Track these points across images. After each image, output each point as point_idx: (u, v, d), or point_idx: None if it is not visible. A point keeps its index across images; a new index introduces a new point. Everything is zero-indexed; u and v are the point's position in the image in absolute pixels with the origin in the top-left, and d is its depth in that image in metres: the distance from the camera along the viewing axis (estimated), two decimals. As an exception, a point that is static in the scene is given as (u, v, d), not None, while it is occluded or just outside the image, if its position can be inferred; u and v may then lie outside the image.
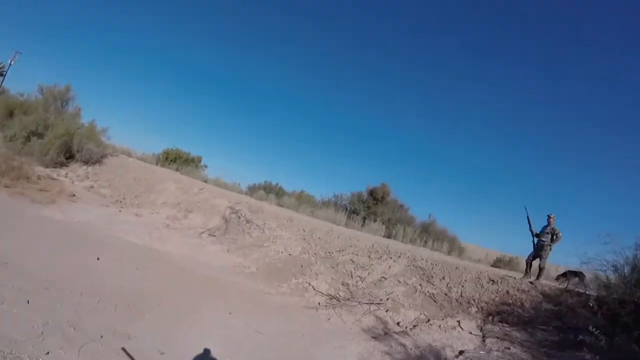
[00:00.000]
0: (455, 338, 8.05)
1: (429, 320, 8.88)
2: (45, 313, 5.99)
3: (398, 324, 8.90)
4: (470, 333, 8.24)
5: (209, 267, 11.23)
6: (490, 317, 8.75)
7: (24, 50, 46.70)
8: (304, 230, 13.82)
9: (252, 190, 23.17)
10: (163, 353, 6.06)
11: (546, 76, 63.09)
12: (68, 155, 19.57)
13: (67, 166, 19.27)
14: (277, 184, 25.80)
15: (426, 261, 11.28)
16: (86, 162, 19.70)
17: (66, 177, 17.88)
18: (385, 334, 8.42)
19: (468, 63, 72.42)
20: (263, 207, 16.25)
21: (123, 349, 5.66)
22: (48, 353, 5.07)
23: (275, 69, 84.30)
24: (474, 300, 9.44)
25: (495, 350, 7.39)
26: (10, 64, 38.26)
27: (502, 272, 11.67)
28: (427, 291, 9.97)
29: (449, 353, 7.56)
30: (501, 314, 8.75)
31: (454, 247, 16.61)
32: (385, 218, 18.39)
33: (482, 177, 71.04)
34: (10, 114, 21.10)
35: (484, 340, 7.93)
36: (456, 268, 10.82)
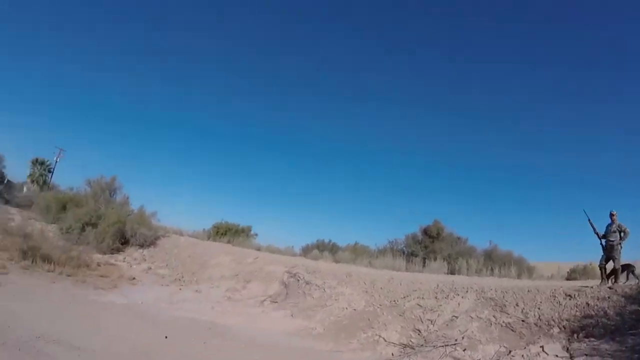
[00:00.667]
0: None
1: (510, 352, 8.29)
2: None
3: None
4: (556, 356, 7.65)
5: (275, 333, 11.11)
6: (575, 335, 8.12)
7: (66, 145, 50.15)
8: (365, 283, 13.58)
9: (306, 251, 23.22)
10: None
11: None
12: (123, 241, 20.64)
13: (123, 251, 20.24)
14: (329, 240, 25.83)
15: (495, 290, 10.75)
16: (141, 246, 20.68)
17: (124, 261, 18.69)
18: None
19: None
20: (320, 267, 16.18)
21: None
22: None
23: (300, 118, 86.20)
24: (553, 320, 8.81)
25: (585, 369, 6.76)
26: (56, 161, 41.24)
27: (578, 283, 10.95)
28: (503, 321, 9.40)
29: None
30: (585, 329, 8.14)
31: (522, 268, 15.84)
32: (445, 254, 17.90)
33: (534, 189, 68.75)
34: (64, 208, 22.69)
35: None
36: (528, 291, 10.23)
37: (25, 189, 36.10)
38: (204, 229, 28.45)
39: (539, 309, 9.37)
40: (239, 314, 12.56)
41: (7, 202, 28.06)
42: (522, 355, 7.95)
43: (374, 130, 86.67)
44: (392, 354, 9.47)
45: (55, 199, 24.75)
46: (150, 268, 18.30)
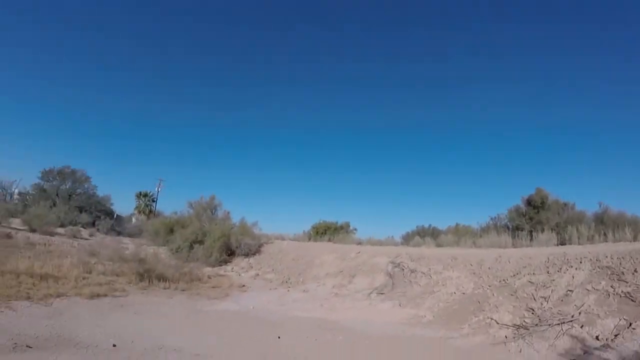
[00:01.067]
0: None
1: (630, 324, 7.73)
2: None
3: (597, 337, 7.89)
4: None
5: (384, 324, 11.28)
6: None
7: (163, 174, 55.17)
8: (471, 265, 13.36)
9: (407, 240, 23.19)
10: None
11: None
12: (229, 253, 22.19)
13: (230, 262, 21.68)
14: (429, 225, 25.59)
15: (611, 257, 10.05)
16: (246, 255, 22.06)
17: (232, 271, 19.99)
18: (585, 352, 7.53)
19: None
20: (423, 253, 16.10)
21: None
22: None
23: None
24: None
25: None
26: (158, 191, 45.29)
27: None
28: (622, 291, 8.74)
29: None
30: None
31: (639, 229, 14.42)
32: (553, 224, 16.88)
33: None
34: (171, 231, 24.77)
35: None
36: (646, 254, 9.47)
37: (134, 220, 40.15)
38: (304, 231, 29.68)
39: (661, 274, 8.68)
40: (347, 309, 12.88)
41: (119, 233, 31.35)
42: None
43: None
44: (506, 337, 9.24)
45: (162, 223, 27.03)
46: (258, 274, 19.36)
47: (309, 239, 27.17)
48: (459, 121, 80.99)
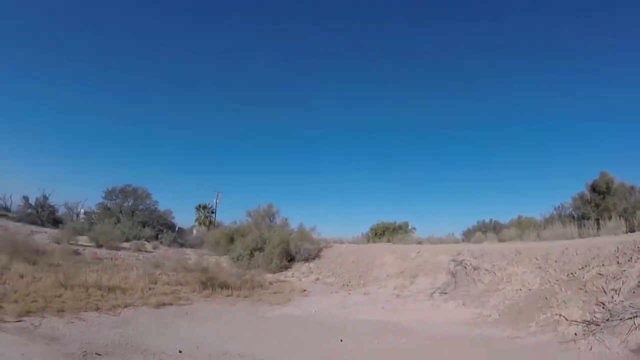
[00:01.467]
0: None
1: None
2: None
3: None
4: None
5: (449, 325, 11.27)
6: None
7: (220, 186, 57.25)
8: (537, 259, 13.06)
9: (468, 236, 22.78)
10: None
11: None
12: (289, 258, 22.55)
13: (291, 267, 22.04)
14: (491, 220, 24.98)
15: (687, 244, 9.66)
16: (306, 260, 22.43)
17: (293, 276, 20.36)
18: None
19: None
20: (485, 249, 15.87)
21: None
22: None
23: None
24: None
25: None
26: (216, 202, 47.26)
27: None
28: None
29: None
30: None
31: None
32: (620, 209, 16.11)
33: None
34: (231, 240, 25.43)
35: None
36: None
37: (194, 232, 41.82)
38: (362, 234, 29.69)
39: None
40: (409, 310, 12.93)
41: (181, 245, 32.65)
42: None
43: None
44: (575, 334, 9.02)
45: (222, 234, 27.89)
46: (319, 279, 19.66)
47: (368, 241, 27.19)
48: (515, 112, 77.74)
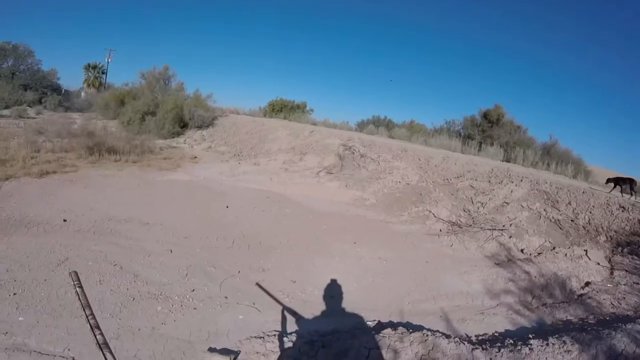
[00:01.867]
0: (581, 268, 7.76)
1: (554, 248, 8.67)
2: (187, 258, 7.03)
3: (522, 250, 8.82)
4: (598, 264, 7.91)
5: (330, 202, 11.80)
6: (620, 248, 8.31)
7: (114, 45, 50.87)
8: (420, 159, 13.93)
9: (361, 127, 23.53)
10: (295, 282, 6.76)
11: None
12: (182, 125, 21.63)
13: (183, 134, 21.33)
14: (385, 117, 25.86)
15: (550, 185, 10.89)
16: (200, 127, 21.72)
17: (185, 143, 19.79)
18: (509, 260, 8.38)
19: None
20: (375, 141, 16.50)
21: (257, 284, 6.38)
22: (194, 290, 6.00)
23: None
24: (602, 228, 9.00)
25: (624, 284, 7.08)
26: (108, 62, 42.36)
27: (634, 199, 10.73)
28: (552, 217, 9.70)
29: (574, 283, 7.35)
30: (631, 245, 8.27)
31: (580, 169, 15.43)
32: (503, 141, 17.69)
33: (605, 93, 63.85)
34: (122, 103, 23.78)
35: (612, 273, 7.62)
36: (583, 192, 10.32)
37: (83, 94, 37.51)
38: (260, 107, 29.26)
39: (590, 212, 9.53)
40: (296, 184, 13.25)
41: (67, 109, 29.51)
42: (565, 254, 8.24)
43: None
44: (440, 230, 10.08)
45: (112, 96, 25.66)
46: (210, 147, 19.25)
47: (265, 115, 26.83)
48: (439, 21, 78.34)
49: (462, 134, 19.50)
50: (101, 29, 78.25)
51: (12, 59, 33.09)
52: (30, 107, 27.77)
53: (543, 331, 5.55)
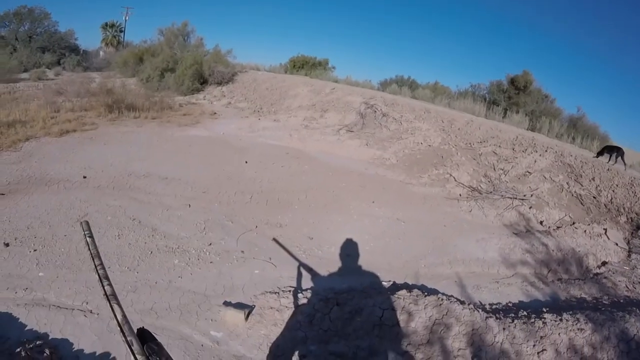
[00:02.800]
0: (599, 247, 7.65)
1: (573, 223, 8.52)
2: (205, 213, 7.13)
3: (541, 222, 8.73)
4: (616, 244, 7.77)
5: (350, 160, 11.75)
6: None
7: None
8: (443, 121, 13.69)
9: (384, 86, 23.05)
10: (312, 238, 6.81)
11: None
12: (202, 81, 21.37)
13: (203, 90, 21.10)
14: (409, 77, 25.29)
15: (575, 158, 10.66)
16: (219, 83, 21.38)
17: (204, 99, 19.60)
18: (527, 231, 8.29)
19: None
20: (398, 101, 16.20)
21: (274, 239, 6.43)
22: (211, 244, 6.10)
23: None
24: (624, 208, 8.83)
25: (641, 269, 6.94)
26: (125, 20, 41.46)
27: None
28: (575, 191, 9.52)
29: (591, 261, 7.26)
30: None
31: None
32: (529, 109, 17.20)
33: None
34: (140, 60, 23.32)
35: (629, 255, 7.50)
36: (608, 170, 10.09)
37: (101, 54, 36.82)
38: (280, 64, 28.44)
39: (613, 191, 9.34)
40: (315, 141, 13.14)
41: (86, 69, 29.01)
42: (585, 231, 8.10)
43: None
44: (460, 194, 9.99)
45: (130, 54, 25.11)
46: (230, 103, 19.05)
47: (286, 72, 26.17)
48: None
49: (487, 99, 18.95)
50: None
51: (28, 22, 32.59)
52: (49, 69, 27.53)
53: (557, 306, 5.55)
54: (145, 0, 75.23)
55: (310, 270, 5.81)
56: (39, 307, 4.33)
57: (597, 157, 11.14)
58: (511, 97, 18.51)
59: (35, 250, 5.35)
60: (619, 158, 10.79)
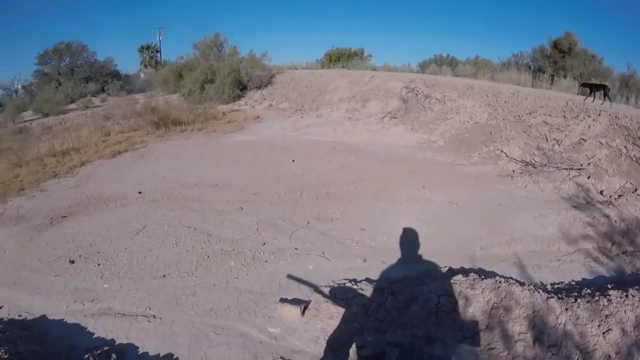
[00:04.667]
0: None
1: (636, 190, 8.01)
2: (257, 214, 7.36)
3: (601, 192, 8.33)
4: None
5: (396, 147, 11.73)
6: None
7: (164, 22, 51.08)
8: (487, 96, 13.32)
9: (423, 67, 22.71)
10: (364, 229, 6.86)
11: None
12: (241, 87, 21.95)
13: (244, 96, 21.65)
14: (448, 55, 24.79)
15: (631, 119, 9.90)
16: (259, 87, 21.90)
17: (246, 105, 20.19)
18: (587, 203, 7.96)
19: None
20: (439, 80, 15.94)
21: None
22: (264, 244, 6.30)
23: None
24: None
25: None
26: (160, 41, 43.23)
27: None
28: (634, 155, 8.88)
29: None
30: None
31: (662, 102, 14.07)
32: (577, 73, 16.36)
33: None
34: (180, 76, 24.16)
35: None
36: (668, 127, 9.44)
37: (142, 75, 38.28)
38: (316, 59, 28.69)
39: (677, 150, 8.72)
40: (360, 132, 13.20)
41: (129, 92, 30.35)
42: None
43: None
44: (513, 171, 9.75)
45: (169, 71, 26.06)
46: (272, 105, 19.53)
47: (322, 67, 26.41)
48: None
49: (532, 67, 18.16)
50: (147, 11, 78.06)
51: (68, 56, 34.15)
52: (95, 96, 29.09)
53: (622, 281, 5.36)
54: (175, 18, 77.62)
55: (364, 261, 5.90)
56: (105, 316, 4.67)
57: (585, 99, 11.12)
58: (556, 61, 17.67)
59: (99, 265, 5.76)
60: (603, 95, 10.83)
